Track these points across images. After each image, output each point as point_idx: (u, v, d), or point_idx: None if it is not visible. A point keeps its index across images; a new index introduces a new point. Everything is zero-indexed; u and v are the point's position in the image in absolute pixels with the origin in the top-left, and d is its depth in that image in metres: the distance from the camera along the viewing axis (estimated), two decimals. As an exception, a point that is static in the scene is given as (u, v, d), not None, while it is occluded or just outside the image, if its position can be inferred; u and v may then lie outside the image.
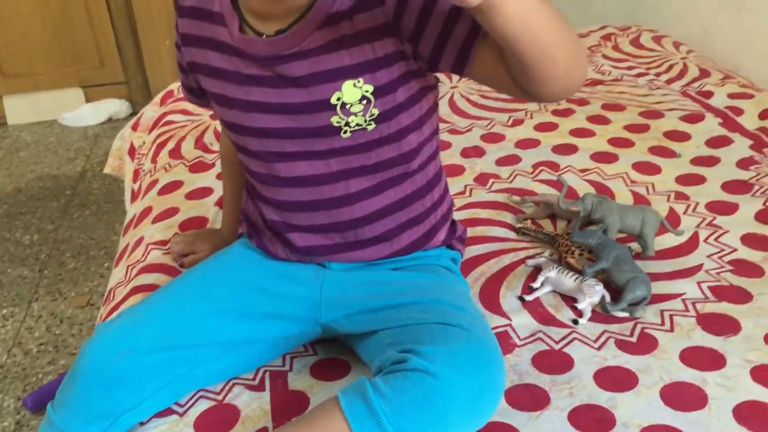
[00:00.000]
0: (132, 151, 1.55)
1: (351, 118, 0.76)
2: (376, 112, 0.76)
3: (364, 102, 0.75)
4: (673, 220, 1.09)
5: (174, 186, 1.28)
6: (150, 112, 1.60)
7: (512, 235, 1.09)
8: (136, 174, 1.45)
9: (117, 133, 2.64)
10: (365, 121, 0.76)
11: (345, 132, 0.77)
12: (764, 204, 1.11)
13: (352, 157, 0.80)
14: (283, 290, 0.86)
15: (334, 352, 0.89)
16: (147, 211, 1.23)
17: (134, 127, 1.60)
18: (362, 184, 0.82)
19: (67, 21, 2.67)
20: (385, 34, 0.73)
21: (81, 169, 2.45)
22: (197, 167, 1.33)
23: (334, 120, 0.76)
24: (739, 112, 1.37)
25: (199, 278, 0.89)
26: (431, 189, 0.88)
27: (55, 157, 2.53)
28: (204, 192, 1.25)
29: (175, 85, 1.65)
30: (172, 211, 1.20)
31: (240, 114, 0.81)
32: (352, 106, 0.75)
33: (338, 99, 0.75)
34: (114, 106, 2.79)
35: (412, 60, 0.75)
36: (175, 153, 1.39)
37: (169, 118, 1.52)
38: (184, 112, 1.53)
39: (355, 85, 0.74)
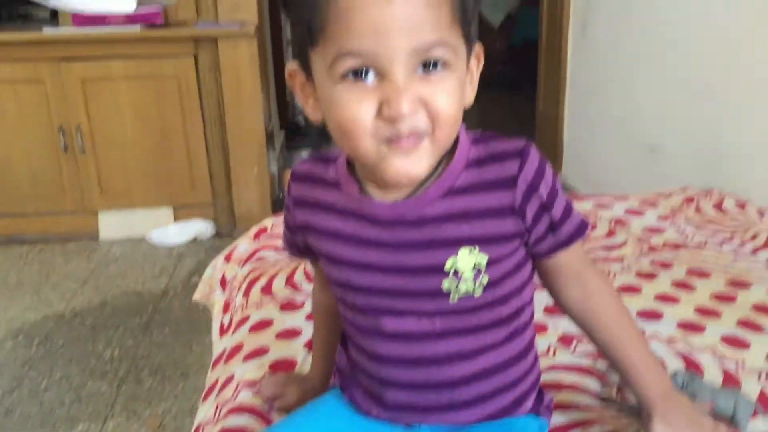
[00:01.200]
0: (223, 282, 1.61)
1: (461, 284, 0.79)
2: (485, 280, 0.80)
3: (476, 271, 0.79)
4: (764, 403, 1.07)
5: (265, 324, 1.33)
6: (244, 245, 1.68)
7: (598, 404, 1.08)
8: (227, 306, 1.51)
9: (200, 252, 2.79)
10: (474, 288, 0.80)
11: (453, 297, 0.81)
12: None
13: (457, 319, 0.83)
14: None
15: None
16: (238, 347, 1.27)
17: (227, 259, 1.68)
18: (463, 346, 0.84)
19: (166, 146, 2.88)
20: (508, 214, 0.78)
21: (164, 286, 2.55)
22: (287, 306, 1.38)
23: (445, 284, 0.79)
24: (830, 289, 1.36)
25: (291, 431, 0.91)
26: (527, 354, 0.90)
27: (140, 274, 2.65)
28: (293, 333, 1.29)
29: (269, 222, 1.74)
30: (262, 350, 1.24)
31: (352, 273, 0.85)
32: (464, 273, 0.79)
33: (452, 265, 0.78)
34: (200, 227, 2.94)
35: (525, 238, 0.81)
36: (267, 290, 1.44)
37: (261, 253, 1.59)
38: (277, 249, 1.60)
39: (470, 252, 0.78)
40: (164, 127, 2.85)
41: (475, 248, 0.78)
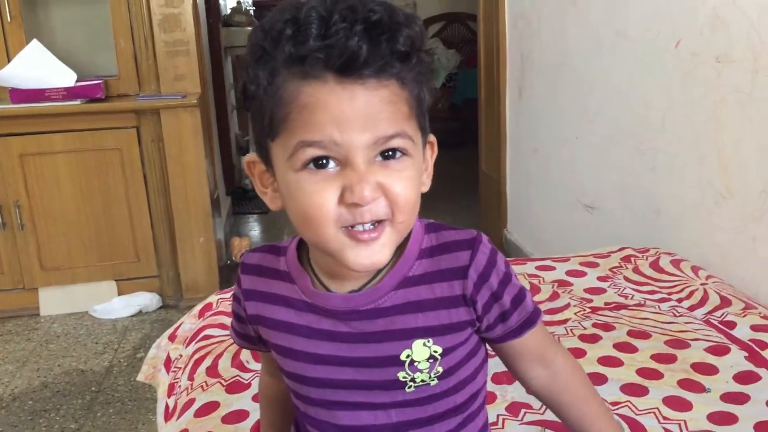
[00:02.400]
0: (167, 363, 1.58)
1: (417, 375, 0.80)
2: (440, 369, 0.80)
3: (431, 360, 0.79)
4: (707, 465, 1.09)
5: (210, 407, 1.30)
6: (188, 324, 1.66)
7: (547, 474, 1.09)
8: (171, 388, 1.47)
9: (146, 326, 2.73)
10: (429, 377, 0.80)
11: (409, 387, 0.80)
12: (800, 451, 1.11)
13: (413, 410, 0.83)
14: None
15: None
16: (183, 434, 1.25)
17: (171, 338, 1.65)
18: None
19: (109, 219, 2.84)
20: (460, 304, 0.80)
21: (108, 363, 2.48)
22: (234, 387, 1.36)
23: (401, 375, 0.80)
24: (763, 346, 1.40)
25: None
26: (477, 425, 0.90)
27: (83, 351, 2.57)
28: (240, 415, 1.27)
29: (214, 299, 1.72)
30: (208, 436, 1.22)
31: (305, 366, 0.83)
32: (419, 363, 0.79)
33: (407, 356, 0.79)
34: (145, 299, 2.88)
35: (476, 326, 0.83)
36: (212, 371, 1.42)
37: (207, 332, 1.57)
38: (222, 326, 1.59)
39: (425, 344, 0.79)
40: (107, 199, 2.81)
41: (429, 341, 0.79)
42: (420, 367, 0.79)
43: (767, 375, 1.32)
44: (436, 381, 0.80)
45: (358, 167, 0.71)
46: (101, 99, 2.75)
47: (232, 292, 0.94)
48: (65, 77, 2.71)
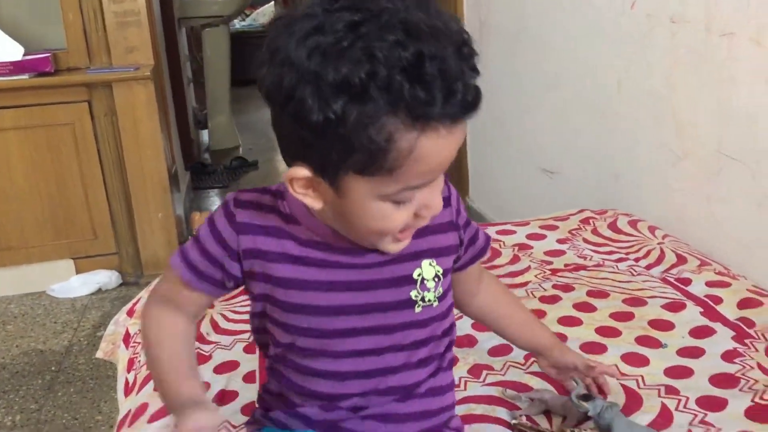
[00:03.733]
0: (126, 339, 1.56)
1: (425, 293, 0.87)
2: (441, 290, 0.88)
3: (436, 280, 0.87)
4: (665, 418, 1.11)
5: (170, 380, 1.28)
6: (146, 298, 1.63)
7: (509, 432, 1.10)
8: (131, 363, 1.45)
9: (106, 304, 2.68)
10: (434, 297, 0.87)
11: (418, 306, 0.87)
12: (752, 400, 1.13)
13: (418, 330, 0.88)
14: None
15: None
16: (143, 408, 1.22)
17: (129, 313, 1.62)
18: (418, 355, 0.89)
19: (64, 196, 2.77)
20: (451, 228, 0.91)
21: (68, 343, 2.44)
22: (194, 360, 1.34)
23: (413, 294, 0.86)
24: (718, 300, 1.43)
25: None
26: (453, 386, 0.97)
27: (42, 331, 2.52)
28: (201, 387, 1.25)
29: (173, 272, 1.69)
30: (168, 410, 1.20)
31: (318, 294, 0.84)
32: (428, 282, 0.87)
33: (419, 275, 0.86)
34: (104, 277, 2.83)
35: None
36: (172, 344, 1.40)
37: (165, 305, 1.54)
38: (181, 299, 1.56)
39: (431, 264, 0.87)
40: (60, 176, 2.74)
41: (433, 261, 0.87)
42: (428, 285, 0.86)
43: (721, 329, 1.34)
44: (437, 302, 0.88)
45: (437, 188, 0.78)
46: (50, 73, 2.66)
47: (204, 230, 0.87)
48: (11, 51, 2.62)
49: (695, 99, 1.70)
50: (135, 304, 1.64)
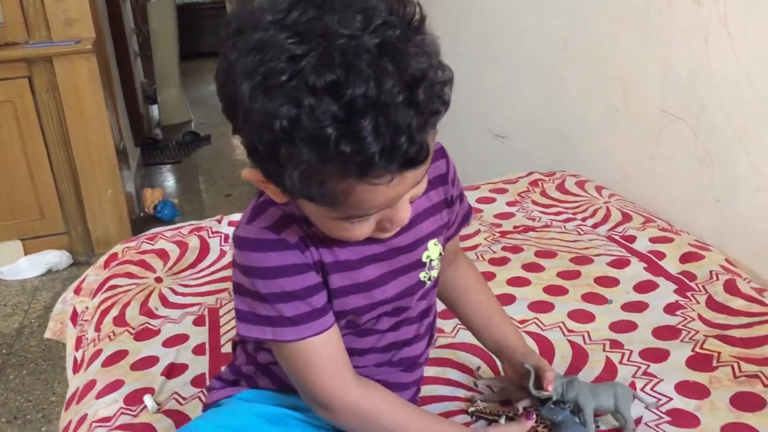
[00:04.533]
0: (74, 317, 1.53)
1: (432, 272, 0.88)
2: (439, 265, 0.89)
3: (439, 257, 0.88)
4: (610, 372, 1.13)
5: (118, 356, 1.27)
6: (93, 275, 1.60)
7: (460, 393, 1.11)
8: (79, 341, 1.43)
9: (57, 285, 2.63)
10: (437, 273, 0.89)
11: (426, 284, 0.88)
12: (693, 350, 1.17)
13: (422, 302, 0.90)
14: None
15: None
16: (91, 384, 1.21)
17: (76, 291, 1.59)
18: (420, 329, 0.92)
19: (7, 176, 2.69)
20: (445, 206, 0.90)
21: (18, 325, 2.39)
22: (143, 335, 1.32)
23: (422, 275, 0.87)
24: (661, 255, 1.46)
25: None
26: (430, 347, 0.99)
27: (-10, 314, 2.47)
28: (150, 361, 1.24)
29: (119, 248, 1.66)
30: (116, 384, 1.18)
31: (359, 296, 0.83)
32: (434, 261, 0.88)
33: (427, 257, 0.87)
34: (53, 258, 2.77)
35: None
36: (120, 320, 1.38)
37: (113, 282, 1.52)
38: (129, 275, 1.54)
39: (435, 244, 0.88)
40: (2, 155, 2.66)
41: (436, 240, 0.88)
42: (434, 264, 0.88)
43: (664, 283, 1.37)
44: (437, 276, 0.90)
45: (399, 208, 0.72)
46: (-14, 48, 2.57)
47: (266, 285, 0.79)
48: (-57, 26, 2.52)
49: (639, 59, 1.72)
50: (82, 282, 1.61)
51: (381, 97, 0.60)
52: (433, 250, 0.87)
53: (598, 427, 0.97)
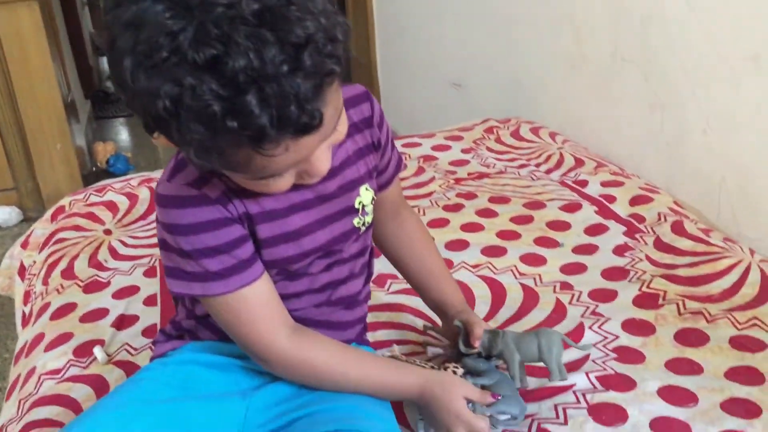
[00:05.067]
0: (22, 271, 1.50)
1: (366, 217, 0.88)
2: (371, 209, 0.89)
3: (372, 202, 0.88)
4: (559, 312, 1.15)
5: (67, 309, 1.25)
6: (40, 229, 1.56)
7: (413, 336, 1.12)
8: (27, 296, 1.40)
9: (7, 241, 2.57)
10: (371, 218, 0.89)
11: (361, 230, 0.88)
12: (640, 289, 1.19)
13: (355, 245, 0.90)
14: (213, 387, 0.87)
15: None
16: (39, 338, 1.19)
17: (24, 246, 1.55)
18: (353, 268, 0.91)
19: (-49, 131, 2.60)
20: (372, 150, 0.89)
21: (-33, 283, 2.33)
22: (92, 287, 1.30)
23: (356, 221, 0.87)
24: (611, 199, 1.48)
25: (118, 410, 0.82)
26: (370, 295, 0.99)
27: (-62, 273, 2.40)
28: (99, 314, 1.23)
29: (67, 201, 1.62)
30: (65, 337, 1.17)
31: (293, 245, 0.82)
32: (367, 206, 0.88)
33: (359, 203, 0.87)
34: (3, 214, 2.70)
35: None
36: (68, 273, 1.36)
37: (60, 235, 1.48)
38: (77, 228, 1.51)
39: (366, 189, 0.87)
40: (-56, 110, 2.57)
41: (367, 185, 0.87)
42: (367, 210, 0.87)
43: (614, 225, 1.39)
44: (371, 220, 0.89)
45: (314, 161, 0.70)
46: None
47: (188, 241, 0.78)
48: None
49: (592, 3, 1.71)
50: (29, 237, 1.57)
51: (264, 69, 0.58)
52: (365, 195, 0.86)
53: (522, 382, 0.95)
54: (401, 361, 0.96)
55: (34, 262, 1.47)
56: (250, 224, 0.79)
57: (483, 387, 0.92)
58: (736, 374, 1.00)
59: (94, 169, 3.19)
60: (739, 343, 1.05)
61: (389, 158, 0.93)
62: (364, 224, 0.87)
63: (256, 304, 0.80)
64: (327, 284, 0.88)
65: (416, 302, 1.19)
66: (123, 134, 3.86)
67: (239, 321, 0.80)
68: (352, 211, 0.86)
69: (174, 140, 0.65)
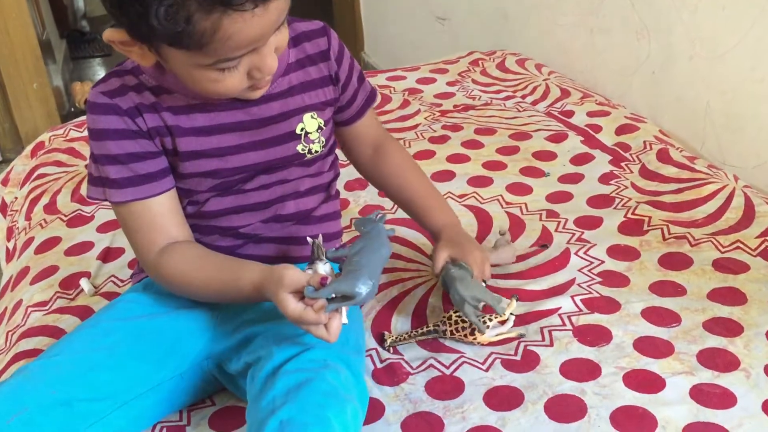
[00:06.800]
0: (3, 208, 1.48)
1: (312, 146, 0.90)
2: (323, 139, 0.92)
3: (319, 131, 0.91)
4: (545, 238, 1.16)
5: (52, 243, 1.24)
6: (20, 165, 1.54)
7: (399, 264, 1.13)
8: (10, 232, 1.39)
9: (-14, 184, 2.53)
10: (320, 147, 0.91)
11: (306, 156, 0.90)
12: (625, 216, 1.20)
13: (298, 169, 0.91)
14: (178, 325, 0.88)
15: (232, 400, 0.90)
16: (24, 271, 1.19)
17: (4, 182, 1.53)
18: (297, 187, 0.92)
19: None
20: (328, 83, 0.92)
21: (-52, 225, 2.31)
22: (75, 221, 1.29)
23: (299, 148, 0.89)
24: (597, 129, 1.48)
25: (91, 328, 0.87)
26: (338, 203, 1.01)
27: None
28: (84, 247, 1.22)
29: (46, 136, 1.60)
30: (51, 270, 1.16)
31: (217, 160, 0.86)
32: (312, 134, 0.90)
33: (302, 129, 0.89)
34: (-19, 155, 2.66)
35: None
36: (51, 208, 1.34)
37: (41, 170, 1.46)
38: (58, 163, 1.48)
39: (312, 117, 0.90)
40: None
41: (314, 113, 0.90)
42: (312, 137, 0.90)
43: (599, 155, 1.39)
44: (321, 149, 0.92)
45: (265, 54, 0.74)
46: None
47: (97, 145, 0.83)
48: None
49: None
50: (9, 173, 1.55)
51: None
52: (309, 123, 0.90)
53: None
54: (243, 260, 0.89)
55: (16, 198, 1.45)
56: (172, 138, 0.84)
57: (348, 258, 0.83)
58: (719, 295, 1.01)
59: (72, 109, 3.13)
60: (722, 265, 1.07)
61: (354, 92, 0.96)
62: (309, 151, 0.90)
63: (143, 220, 0.85)
64: (269, 201, 0.91)
65: (404, 233, 1.19)
66: (100, 74, 3.77)
67: (127, 231, 0.88)
68: (293, 136, 0.89)
69: (139, 13, 0.67)
